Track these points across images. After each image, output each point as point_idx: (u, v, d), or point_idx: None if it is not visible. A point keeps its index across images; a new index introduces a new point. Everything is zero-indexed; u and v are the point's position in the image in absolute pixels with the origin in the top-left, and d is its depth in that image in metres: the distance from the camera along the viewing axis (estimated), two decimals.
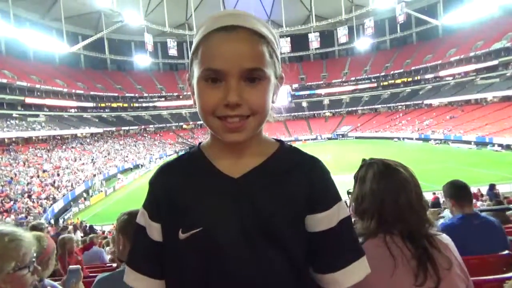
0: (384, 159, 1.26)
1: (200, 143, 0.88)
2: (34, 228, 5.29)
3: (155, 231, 0.83)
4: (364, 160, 1.30)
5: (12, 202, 22.22)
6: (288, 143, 0.88)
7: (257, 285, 0.75)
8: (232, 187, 0.77)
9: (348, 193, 1.31)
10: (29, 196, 23.92)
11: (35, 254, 1.27)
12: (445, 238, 1.16)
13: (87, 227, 16.02)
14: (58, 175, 30.61)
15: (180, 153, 0.89)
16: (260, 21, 0.76)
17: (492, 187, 10.44)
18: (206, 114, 0.74)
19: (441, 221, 2.86)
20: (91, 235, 6.44)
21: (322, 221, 0.79)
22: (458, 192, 2.48)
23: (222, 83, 0.71)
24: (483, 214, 2.45)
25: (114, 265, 3.71)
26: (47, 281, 1.80)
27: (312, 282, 0.83)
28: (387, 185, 1.17)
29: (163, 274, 0.84)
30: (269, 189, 0.78)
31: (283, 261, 0.76)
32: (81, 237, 10.70)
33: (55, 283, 1.88)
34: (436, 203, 12.39)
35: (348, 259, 0.79)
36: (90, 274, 3.82)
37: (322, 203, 0.79)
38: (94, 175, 32.91)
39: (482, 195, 12.30)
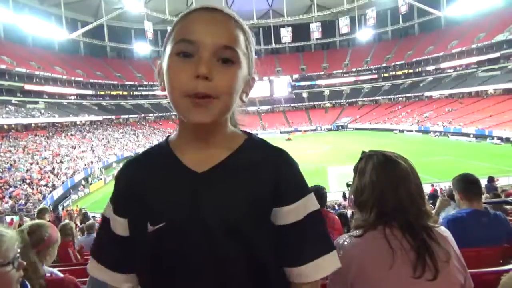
0: (384, 151, 1.26)
1: (168, 136, 0.86)
2: (41, 211, 5.42)
3: (118, 225, 0.82)
4: (363, 152, 1.30)
5: (11, 189, 22.28)
6: (256, 135, 0.86)
7: (218, 282, 0.74)
8: (195, 182, 0.76)
9: (348, 185, 1.30)
10: (29, 183, 23.98)
11: (18, 250, 1.24)
12: (443, 230, 1.16)
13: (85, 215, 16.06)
14: (62, 162, 30.66)
15: (150, 146, 0.89)
16: (239, 17, 0.76)
17: (490, 179, 10.42)
18: (174, 92, 0.71)
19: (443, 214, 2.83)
20: (88, 222, 6.45)
21: (288, 215, 0.78)
22: (467, 186, 2.43)
23: (194, 58, 0.70)
24: (493, 211, 2.40)
25: None
26: (47, 268, 1.80)
27: (279, 277, 0.80)
28: (387, 176, 1.17)
29: (125, 267, 0.83)
30: (233, 185, 0.76)
31: (245, 258, 0.75)
32: (80, 224, 10.75)
33: (54, 270, 1.89)
34: (434, 195, 12.44)
35: (315, 253, 0.78)
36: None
37: (288, 196, 0.78)
38: (92, 162, 33.00)
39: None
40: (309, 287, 0.80)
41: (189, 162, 0.78)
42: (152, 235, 0.75)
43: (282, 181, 0.78)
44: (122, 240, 0.82)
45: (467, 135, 37.50)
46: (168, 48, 0.74)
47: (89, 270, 0.87)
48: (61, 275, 1.86)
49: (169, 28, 0.74)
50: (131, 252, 0.80)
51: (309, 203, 0.80)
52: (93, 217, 15.72)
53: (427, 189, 14.77)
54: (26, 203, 20.26)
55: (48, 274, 1.72)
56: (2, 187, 22.27)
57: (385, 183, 1.16)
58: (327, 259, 0.79)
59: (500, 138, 33.08)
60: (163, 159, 0.82)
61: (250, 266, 0.75)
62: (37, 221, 1.95)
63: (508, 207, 4.94)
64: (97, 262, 0.85)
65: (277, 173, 0.78)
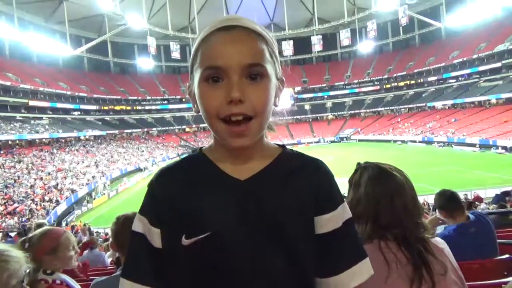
0: (378, 162, 1.25)
1: (201, 148, 0.85)
2: (39, 226, 5.38)
3: (156, 236, 0.78)
4: (358, 164, 1.29)
5: (15, 205, 22.28)
6: (290, 148, 0.88)
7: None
8: (239, 189, 0.76)
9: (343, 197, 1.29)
10: (32, 199, 23.99)
11: (27, 271, 1.20)
12: (440, 242, 1.15)
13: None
14: (66, 178, 30.69)
15: (182, 156, 0.86)
16: (258, 24, 0.76)
17: (506, 193, 9.99)
18: (210, 117, 0.73)
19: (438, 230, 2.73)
20: (91, 238, 6.44)
21: (328, 222, 0.79)
22: (447, 202, 2.39)
23: (223, 81, 0.70)
24: (476, 217, 2.33)
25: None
26: (59, 275, 1.70)
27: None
28: (382, 189, 1.16)
29: (163, 281, 0.78)
30: (277, 191, 0.77)
31: (293, 265, 0.76)
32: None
33: (67, 277, 1.78)
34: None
35: (352, 260, 0.79)
36: (91, 277, 3.82)
37: (328, 204, 0.80)
38: (93, 177, 33.03)
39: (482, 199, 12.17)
40: None
41: (230, 171, 0.79)
42: (188, 247, 0.74)
43: (321, 189, 0.80)
44: (159, 252, 0.78)
45: (471, 145, 37.31)
46: (196, 73, 0.74)
47: None
48: (76, 286, 1.76)
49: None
50: (168, 265, 0.78)
51: (346, 211, 0.82)
52: (97, 232, 15.69)
53: (432, 200, 14.61)
54: (29, 219, 20.22)
55: (58, 282, 1.65)
56: (7, 203, 22.29)
57: (380, 196, 1.15)
58: (363, 265, 0.79)
59: (504, 148, 32.83)
60: (202, 168, 0.81)
61: (296, 274, 0.76)
62: (40, 228, 1.86)
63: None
64: (134, 282, 0.77)
65: (316, 181, 0.80)
